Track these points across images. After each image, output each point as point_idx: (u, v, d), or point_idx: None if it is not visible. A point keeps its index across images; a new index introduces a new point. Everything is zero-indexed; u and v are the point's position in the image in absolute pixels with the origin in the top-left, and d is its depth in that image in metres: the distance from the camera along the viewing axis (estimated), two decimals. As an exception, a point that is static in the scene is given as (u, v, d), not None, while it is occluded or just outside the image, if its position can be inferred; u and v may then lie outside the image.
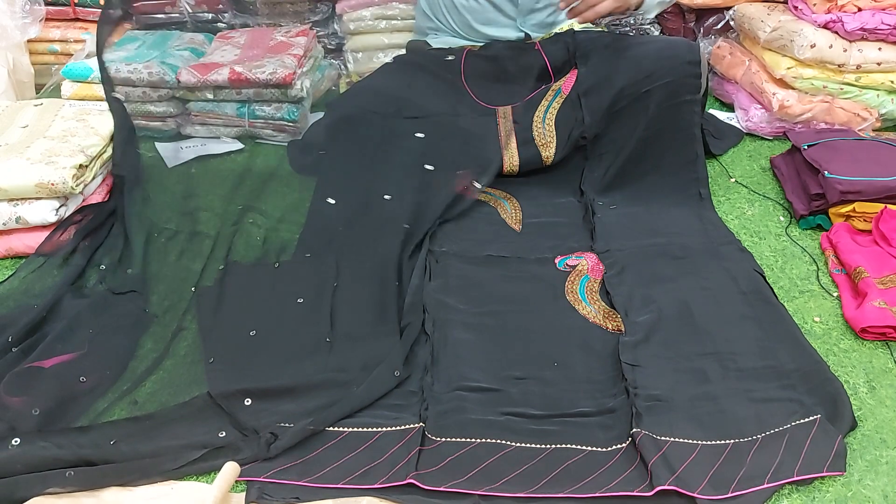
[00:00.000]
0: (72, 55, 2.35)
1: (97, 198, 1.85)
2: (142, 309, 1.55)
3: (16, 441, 1.21)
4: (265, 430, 1.26)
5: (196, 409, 1.31)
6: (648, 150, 1.89)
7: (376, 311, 1.53)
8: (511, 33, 2.11)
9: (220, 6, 2.53)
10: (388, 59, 2.13)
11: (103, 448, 1.22)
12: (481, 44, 2.12)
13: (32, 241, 1.73)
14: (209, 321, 1.52)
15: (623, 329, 1.48)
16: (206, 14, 2.53)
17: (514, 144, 1.91)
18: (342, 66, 2.54)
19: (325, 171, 1.92)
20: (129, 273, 1.65)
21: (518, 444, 1.25)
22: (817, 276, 1.67)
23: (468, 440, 1.25)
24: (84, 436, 1.24)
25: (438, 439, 1.25)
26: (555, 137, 1.91)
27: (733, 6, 2.41)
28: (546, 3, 2.09)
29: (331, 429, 1.28)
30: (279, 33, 2.38)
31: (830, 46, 2.07)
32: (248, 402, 1.32)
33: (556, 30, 2.09)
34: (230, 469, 1.19)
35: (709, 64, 2.45)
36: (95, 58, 2.20)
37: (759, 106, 2.24)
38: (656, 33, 2.56)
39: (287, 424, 1.27)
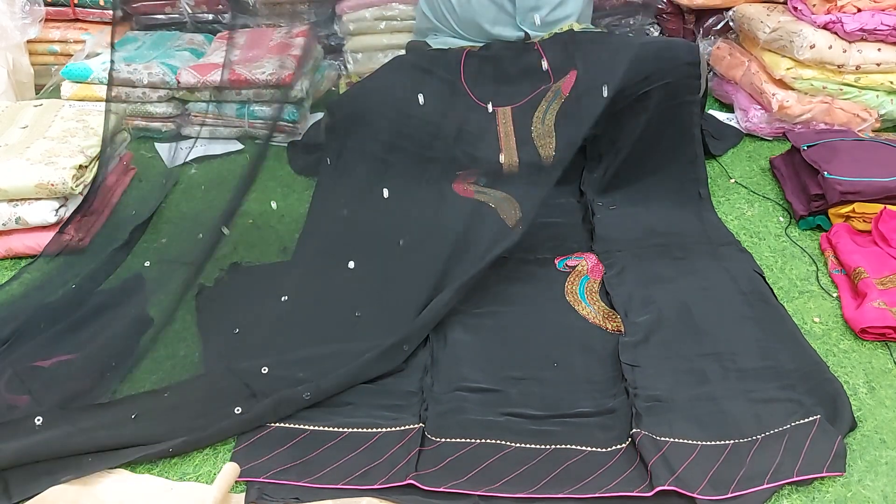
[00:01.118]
0: (71, 56, 2.35)
1: (95, 198, 1.84)
2: (142, 309, 1.56)
3: (39, 420, 1.23)
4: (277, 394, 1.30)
5: (212, 383, 1.34)
6: (648, 150, 1.89)
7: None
8: (511, 33, 2.11)
9: (220, 6, 2.53)
10: (388, 60, 2.13)
11: (124, 424, 1.25)
12: (481, 44, 2.12)
13: (32, 241, 1.73)
14: (210, 320, 1.52)
15: (623, 329, 1.48)
16: (206, 14, 2.53)
17: (513, 144, 1.91)
18: (342, 67, 2.54)
19: (325, 171, 1.92)
20: (130, 274, 1.65)
21: (518, 445, 1.25)
22: (817, 277, 1.67)
23: (468, 441, 1.25)
24: (106, 412, 1.27)
25: (438, 440, 1.26)
26: (554, 138, 1.91)
27: (733, 7, 2.41)
28: (545, 1, 2.09)
29: (331, 429, 1.28)
30: (279, 34, 2.38)
31: (830, 47, 2.07)
32: (265, 370, 1.35)
33: (556, 30, 2.09)
34: (230, 469, 1.19)
35: (708, 65, 2.46)
36: (95, 58, 2.20)
37: (759, 106, 2.25)
38: (656, 34, 2.56)
39: (298, 389, 1.31)
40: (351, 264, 1.62)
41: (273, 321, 1.49)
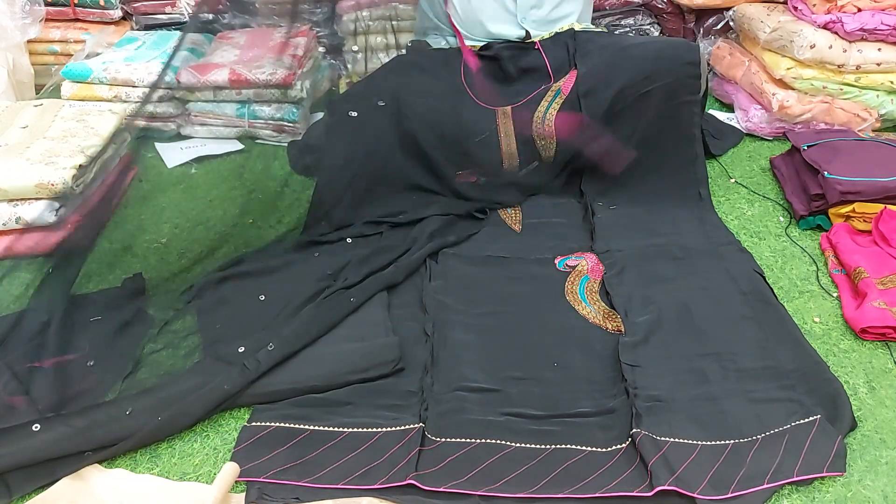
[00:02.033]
0: (71, 56, 2.35)
1: (96, 198, 1.84)
2: (142, 309, 1.56)
3: (36, 427, 1.23)
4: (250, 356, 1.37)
5: (203, 371, 1.36)
6: (648, 150, 1.89)
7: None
8: (512, 31, 2.11)
9: (220, 6, 2.52)
10: (388, 59, 2.13)
11: (119, 420, 1.26)
12: (481, 44, 2.12)
13: (32, 241, 1.73)
14: (210, 321, 1.52)
15: (623, 329, 1.48)
16: (206, 14, 2.53)
17: (514, 144, 1.91)
18: (342, 67, 2.54)
19: (325, 170, 1.92)
20: (131, 274, 1.65)
21: (518, 445, 1.25)
22: (817, 277, 1.67)
23: (468, 440, 1.25)
24: (100, 411, 1.28)
25: (438, 439, 1.25)
26: (555, 137, 1.91)
27: (733, 7, 2.42)
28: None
29: (331, 429, 1.28)
30: (279, 34, 2.38)
31: (830, 47, 2.07)
32: (241, 349, 1.39)
33: (557, 29, 2.09)
34: (230, 469, 1.19)
35: (709, 64, 2.46)
36: (95, 58, 2.20)
37: (759, 106, 2.25)
38: (656, 34, 2.56)
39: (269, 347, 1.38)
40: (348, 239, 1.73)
41: (253, 313, 1.54)
